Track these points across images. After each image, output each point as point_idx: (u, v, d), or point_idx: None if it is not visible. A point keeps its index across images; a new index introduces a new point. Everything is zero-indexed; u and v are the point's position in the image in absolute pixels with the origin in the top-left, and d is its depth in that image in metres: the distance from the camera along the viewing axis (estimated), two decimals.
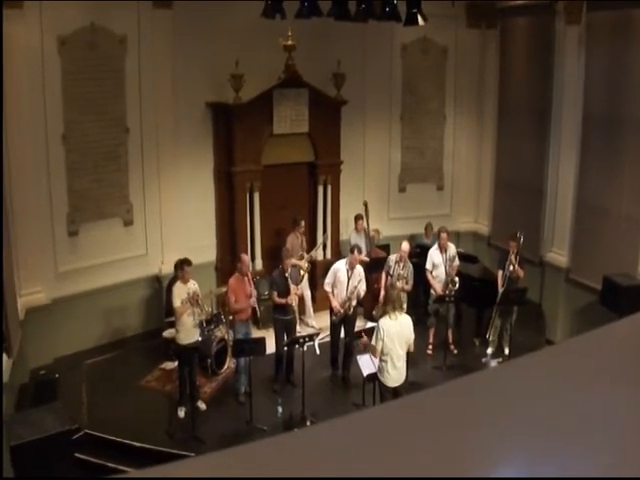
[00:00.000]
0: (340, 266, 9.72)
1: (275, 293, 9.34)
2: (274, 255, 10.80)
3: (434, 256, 10.41)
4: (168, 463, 1.35)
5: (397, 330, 7.93)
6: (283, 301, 9.26)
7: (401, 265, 10.23)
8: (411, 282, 10.27)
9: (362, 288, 9.65)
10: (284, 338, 9.36)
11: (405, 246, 10.29)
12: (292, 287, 9.38)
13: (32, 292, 9.51)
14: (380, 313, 9.93)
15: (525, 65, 12.06)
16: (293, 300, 9.33)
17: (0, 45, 7.95)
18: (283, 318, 9.37)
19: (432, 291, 10.44)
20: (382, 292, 10.34)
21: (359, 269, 9.71)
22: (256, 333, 9.77)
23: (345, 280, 9.56)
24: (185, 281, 8.58)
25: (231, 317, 9.45)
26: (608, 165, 10.21)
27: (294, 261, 10.81)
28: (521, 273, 10.10)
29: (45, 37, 9.41)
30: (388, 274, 10.36)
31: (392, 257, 10.51)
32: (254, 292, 9.12)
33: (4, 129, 8.36)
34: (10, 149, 8.94)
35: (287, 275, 9.39)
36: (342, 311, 9.54)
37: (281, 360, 9.48)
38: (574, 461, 1.41)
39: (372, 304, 10.81)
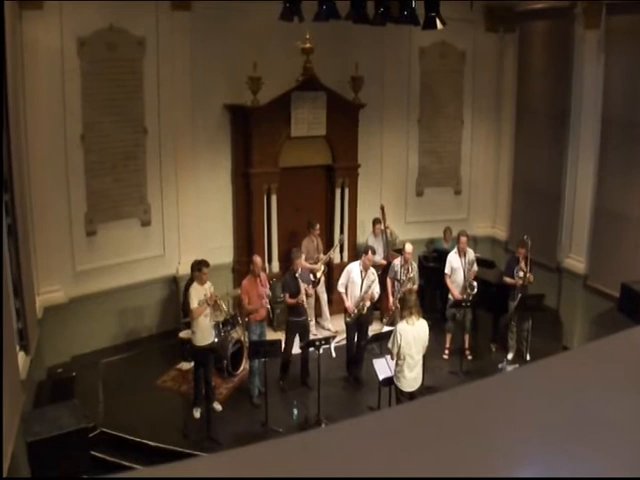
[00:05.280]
0: (354, 267, 9.74)
1: (287, 295, 9.37)
2: (291, 257, 10.80)
3: (453, 260, 10.38)
4: (179, 461, 1.35)
5: (414, 335, 7.91)
6: (294, 301, 9.28)
7: (406, 267, 10.21)
8: (417, 281, 10.26)
9: (376, 290, 9.65)
10: (295, 340, 9.39)
11: (409, 248, 10.27)
12: (303, 286, 9.37)
13: (50, 291, 9.60)
14: (391, 320, 9.95)
15: (543, 69, 11.99)
16: (304, 299, 9.33)
17: (1, 44, 7.95)
18: (296, 320, 9.39)
19: (450, 296, 10.41)
20: (390, 298, 10.30)
21: (372, 270, 9.73)
22: (271, 335, 9.80)
23: (359, 281, 9.57)
24: (202, 282, 8.61)
25: (246, 318, 9.48)
26: (627, 170, 10.12)
27: (309, 265, 10.83)
28: (532, 278, 10.10)
29: (65, 38, 9.50)
30: (395, 279, 10.33)
31: (396, 262, 10.43)
32: (267, 293, 9.14)
33: (11, 129, 8.39)
34: (29, 149, 9.05)
35: (297, 275, 9.40)
36: (356, 311, 9.55)
37: (286, 361, 9.50)
38: (590, 465, 1.40)
39: (386, 309, 10.79)
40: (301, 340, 9.47)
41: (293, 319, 9.42)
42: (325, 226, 11.77)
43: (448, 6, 9.21)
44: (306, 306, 9.45)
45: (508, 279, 10.27)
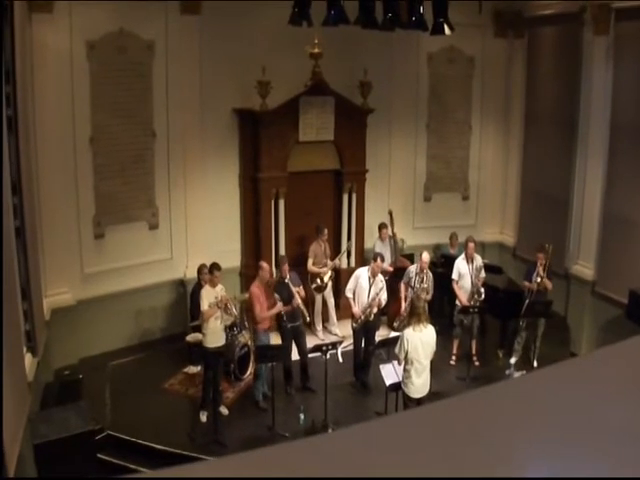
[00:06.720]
0: (362, 273, 9.72)
1: (280, 303, 9.29)
2: (298, 262, 10.81)
3: (460, 266, 10.33)
4: (185, 465, 1.36)
5: (422, 341, 7.89)
6: (288, 308, 9.24)
7: (422, 276, 10.16)
8: (431, 292, 10.20)
9: (383, 297, 9.63)
10: (292, 345, 9.37)
11: (425, 256, 10.20)
12: (294, 290, 9.32)
13: (58, 293, 9.63)
14: (402, 325, 9.90)
15: (552, 75, 11.97)
16: (299, 302, 9.29)
17: (11, 46, 7.97)
18: (291, 325, 9.36)
19: (457, 301, 10.37)
20: (403, 304, 10.27)
21: (380, 277, 9.69)
22: (278, 341, 9.77)
23: (367, 287, 9.55)
24: (214, 285, 8.65)
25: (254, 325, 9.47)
26: (636, 176, 10.08)
27: (317, 269, 10.81)
28: (549, 285, 10.02)
29: (74, 41, 9.55)
30: (408, 285, 10.29)
31: (412, 268, 10.39)
32: (277, 296, 9.13)
33: (20, 131, 8.41)
34: (38, 151, 9.09)
35: (287, 281, 9.37)
36: (363, 317, 9.53)
37: (287, 368, 9.49)
38: (596, 471, 1.40)
39: (396, 314, 10.76)
40: (297, 345, 9.46)
41: (287, 324, 9.39)
42: (333, 231, 11.75)
43: (457, 11, 9.18)
44: (302, 308, 9.40)
45: (526, 283, 10.21)
